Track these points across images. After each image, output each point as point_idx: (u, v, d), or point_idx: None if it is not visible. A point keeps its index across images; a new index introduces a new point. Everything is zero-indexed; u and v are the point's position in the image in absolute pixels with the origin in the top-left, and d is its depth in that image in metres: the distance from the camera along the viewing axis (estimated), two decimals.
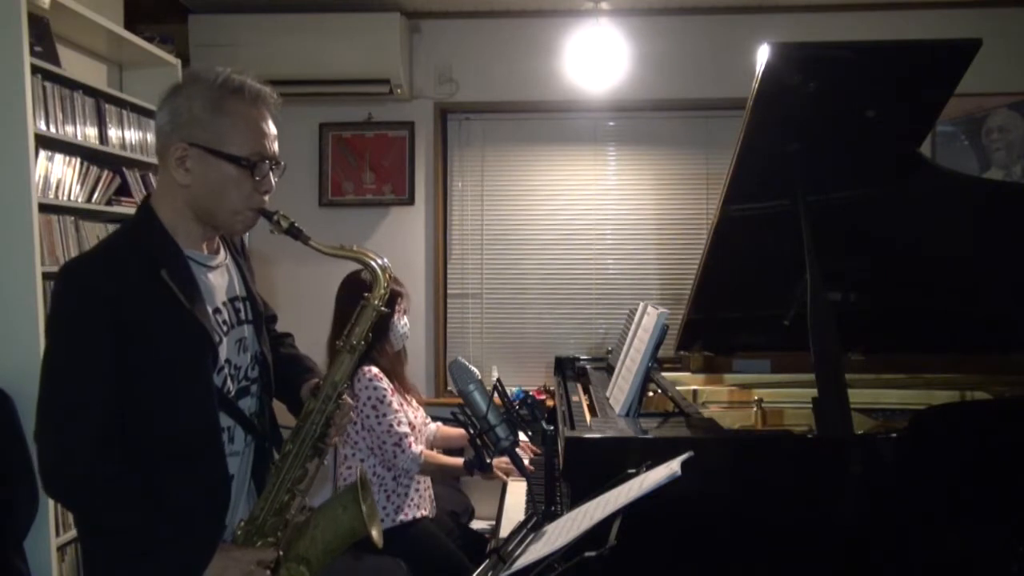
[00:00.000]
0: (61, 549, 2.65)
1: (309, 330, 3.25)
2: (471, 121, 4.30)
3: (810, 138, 1.94)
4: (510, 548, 1.27)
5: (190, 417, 1.46)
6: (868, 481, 1.70)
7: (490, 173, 4.30)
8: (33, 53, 2.62)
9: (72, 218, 2.84)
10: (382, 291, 1.57)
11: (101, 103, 3.04)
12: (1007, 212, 2.21)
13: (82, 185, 2.90)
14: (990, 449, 1.76)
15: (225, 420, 1.52)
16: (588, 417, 2.08)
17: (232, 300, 1.59)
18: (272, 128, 1.51)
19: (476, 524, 3.29)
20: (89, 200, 2.94)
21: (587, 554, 1.11)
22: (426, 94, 4.20)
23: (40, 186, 2.65)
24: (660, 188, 4.24)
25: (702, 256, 2.35)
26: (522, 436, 2.35)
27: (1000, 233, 2.21)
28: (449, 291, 4.32)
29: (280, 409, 1.71)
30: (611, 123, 4.27)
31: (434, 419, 3.01)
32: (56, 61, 2.87)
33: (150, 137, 3.31)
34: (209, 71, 1.47)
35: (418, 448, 2.65)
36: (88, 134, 2.96)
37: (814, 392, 1.83)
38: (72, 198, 2.85)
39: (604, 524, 1.14)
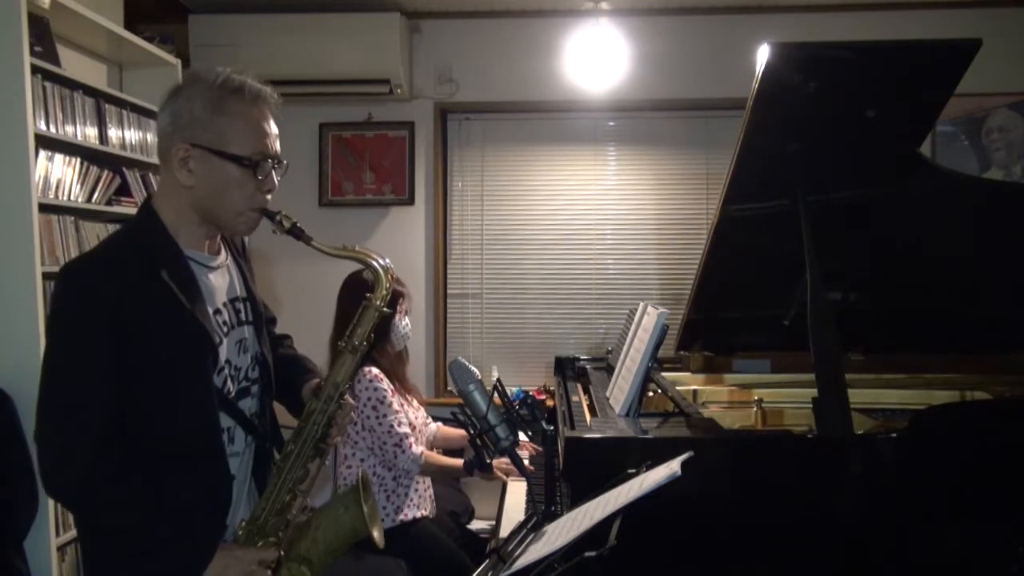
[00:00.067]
0: (61, 549, 2.65)
1: (309, 330, 3.24)
2: (471, 121, 4.30)
3: (810, 138, 1.94)
4: (510, 548, 1.27)
5: (190, 417, 1.46)
6: (868, 481, 1.70)
7: (490, 173, 4.30)
8: (33, 53, 2.62)
9: (72, 218, 2.84)
10: (384, 292, 1.57)
11: (101, 103, 3.04)
12: (1007, 212, 2.21)
13: (82, 185, 2.90)
14: (990, 449, 1.76)
15: (225, 421, 1.52)
16: (588, 417, 2.08)
17: (232, 301, 1.59)
18: (273, 127, 1.51)
19: (476, 524, 3.29)
20: (89, 200, 2.94)
21: (587, 554, 1.11)
22: (426, 94, 4.21)
23: (40, 186, 2.65)
24: (660, 188, 4.24)
25: (702, 256, 2.35)
26: (522, 436, 2.35)
27: (1000, 233, 2.21)
28: (449, 291, 4.32)
29: (280, 410, 1.71)
30: (611, 123, 4.27)
31: (434, 419, 3.02)
32: (56, 61, 2.87)
33: (150, 137, 3.31)
34: (209, 72, 1.47)
35: (418, 449, 2.65)
36: (88, 134, 2.96)
37: (814, 392, 1.83)
38: (72, 198, 2.85)
39: (604, 524, 1.14)
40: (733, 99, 3.51)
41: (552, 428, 1.69)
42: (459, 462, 2.76)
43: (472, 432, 1.48)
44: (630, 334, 2.23)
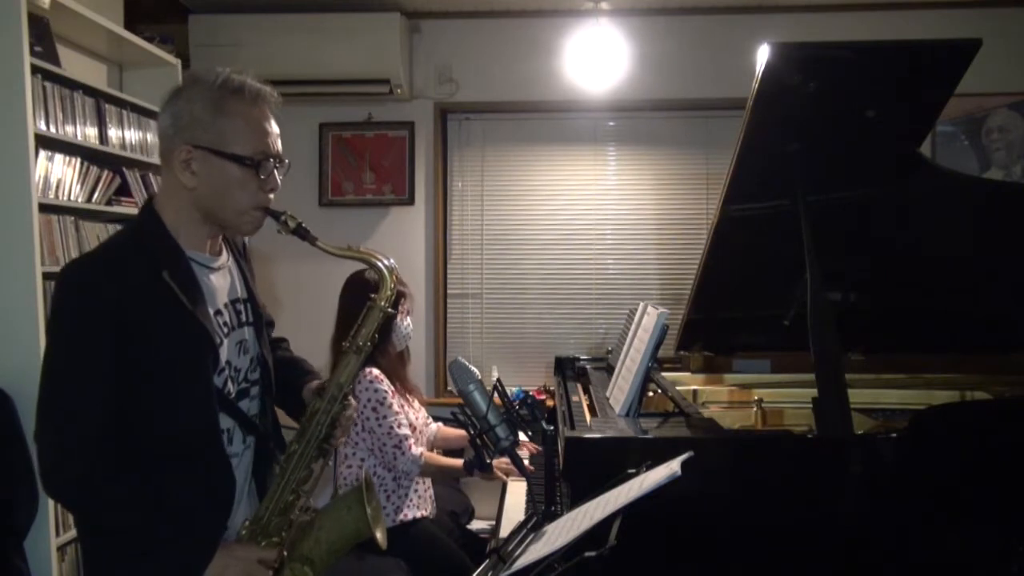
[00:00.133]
0: (61, 549, 2.65)
1: (310, 330, 3.24)
2: (471, 121, 4.30)
3: (810, 138, 1.94)
4: (510, 548, 1.27)
5: (190, 418, 1.46)
6: (868, 481, 1.70)
7: (490, 173, 4.30)
8: (33, 53, 2.62)
9: (72, 218, 2.84)
10: (389, 292, 1.57)
11: (101, 103, 3.04)
12: (1007, 212, 2.21)
13: (82, 185, 2.90)
14: (990, 449, 1.76)
15: (225, 421, 1.52)
16: (588, 417, 2.08)
17: (233, 302, 1.59)
18: (274, 126, 1.51)
19: (476, 524, 3.29)
20: (89, 200, 2.94)
21: (587, 554, 1.11)
22: (426, 94, 4.21)
23: (40, 186, 2.65)
24: (660, 188, 4.24)
25: (702, 256, 2.35)
26: (522, 436, 2.35)
27: (1000, 233, 2.21)
28: (449, 291, 4.32)
29: (280, 411, 1.71)
30: (611, 123, 4.27)
31: (435, 419, 3.02)
32: (56, 61, 2.87)
33: (150, 137, 3.31)
34: (209, 72, 1.47)
35: (418, 450, 2.64)
36: (88, 134, 2.96)
37: (814, 392, 1.83)
38: (72, 198, 2.85)
39: (604, 524, 1.14)
40: (733, 99, 3.51)
41: (552, 428, 1.69)
42: (459, 462, 2.76)
43: (472, 432, 1.48)
44: (630, 334, 2.23)
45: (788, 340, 2.17)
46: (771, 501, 1.70)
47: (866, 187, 2.12)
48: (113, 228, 3.01)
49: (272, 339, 1.80)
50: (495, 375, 3.72)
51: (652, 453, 1.31)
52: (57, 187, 2.77)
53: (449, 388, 4.15)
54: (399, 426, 2.62)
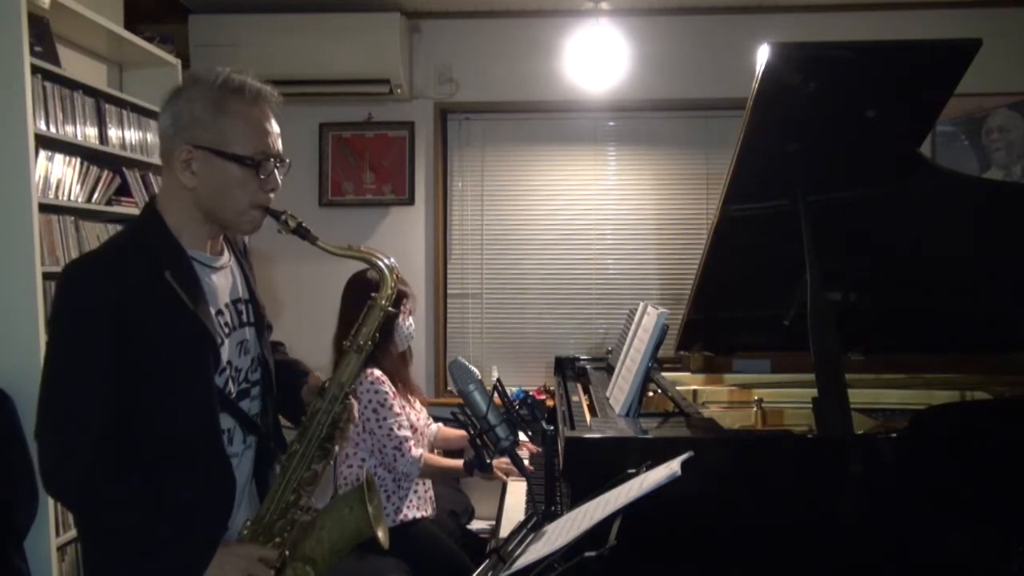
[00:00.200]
0: (61, 549, 2.65)
1: (310, 330, 3.25)
2: (471, 121, 4.30)
3: (810, 138, 1.94)
4: (510, 548, 1.27)
5: (190, 417, 1.46)
6: (868, 481, 1.71)
7: (490, 173, 4.30)
8: (33, 53, 2.62)
9: (72, 218, 2.84)
10: (389, 291, 1.57)
11: (101, 103, 3.04)
12: (1007, 212, 2.21)
13: (82, 185, 2.90)
14: (990, 449, 1.76)
15: (226, 421, 1.52)
16: (588, 417, 2.08)
17: (235, 302, 1.59)
18: (275, 126, 1.51)
19: (476, 524, 3.29)
20: (89, 200, 2.94)
21: (587, 554, 1.11)
22: (426, 94, 4.21)
23: (40, 186, 2.65)
24: (660, 188, 4.24)
25: (702, 256, 2.35)
26: (522, 436, 2.35)
27: (1000, 233, 2.21)
28: (449, 291, 4.32)
29: None
30: (611, 123, 4.27)
31: (435, 419, 3.02)
32: (56, 61, 2.87)
33: (150, 137, 3.31)
34: (209, 72, 1.47)
35: (418, 452, 2.64)
36: (88, 134, 2.96)
37: (814, 392, 1.83)
38: (72, 198, 2.85)
39: (604, 524, 1.14)
40: (733, 99, 3.51)
41: (552, 428, 1.69)
42: (459, 463, 2.75)
43: (472, 432, 1.48)
44: (630, 334, 2.24)
45: (788, 340, 2.17)
46: (771, 501, 1.70)
47: (866, 187, 2.12)
48: (113, 228, 3.01)
49: (271, 343, 1.80)
50: (495, 375, 3.72)
51: (652, 453, 1.31)
52: (57, 187, 2.77)
53: (449, 388, 4.15)
54: (399, 428, 2.62)
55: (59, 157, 2.78)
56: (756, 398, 2.37)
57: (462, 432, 2.96)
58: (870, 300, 2.31)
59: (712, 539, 1.67)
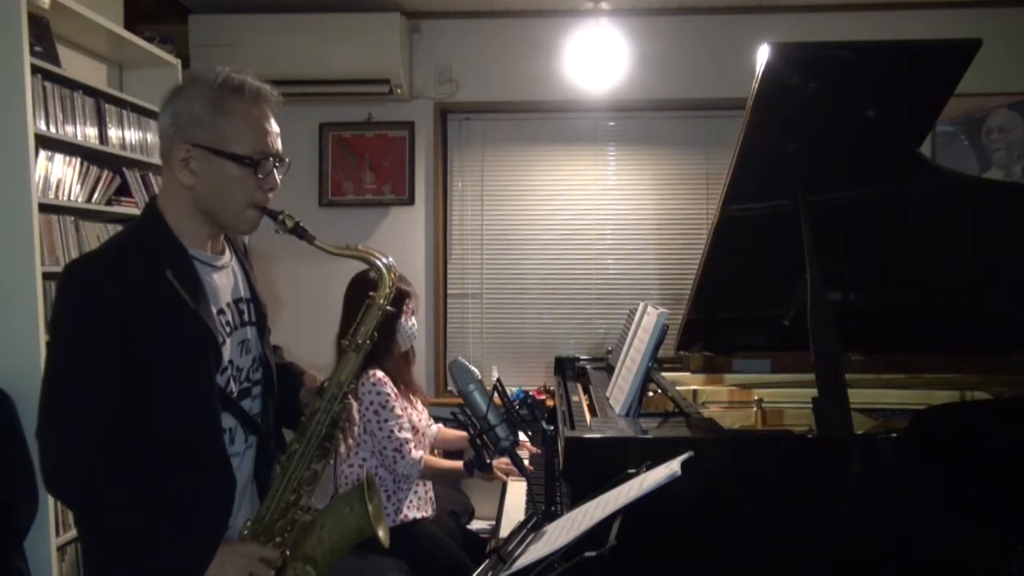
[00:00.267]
0: (61, 549, 2.65)
1: (310, 330, 3.25)
2: (471, 121, 4.30)
3: (810, 138, 1.94)
4: (510, 548, 1.27)
5: (191, 417, 1.46)
6: (868, 481, 1.71)
7: (490, 173, 4.30)
8: (33, 53, 2.62)
9: (72, 218, 2.84)
10: (387, 290, 1.57)
11: (101, 103, 3.04)
12: (1007, 212, 2.21)
13: (82, 185, 2.90)
14: (990, 449, 1.76)
15: (227, 421, 1.52)
16: (588, 417, 2.08)
17: (236, 302, 1.59)
18: (274, 125, 1.51)
19: (476, 524, 3.29)
20: (89, 200, 2.94)
21: (587, 554, 1.11)
22: (426, 94, 4.21)
23: (40, 186, 2.65)
24: (660, 188, 4.24)
25: (702, 256, 2.35)
26: (522, 436, 2.35)
27: (1000, 233, 2.21)
28: (449, 291, 4.32)
29: None
30: (611, 123, 4.27)
31: (435, 420, 3.01)
32: (56, 61, 2.87)
33: (150, 137, 3.31)
34: (209, 72, 1.47)
35: (418, 454, 2.64)
36: (88, 134, 2.96)
37: (814, 392, 1.83)
38: (72, 198, 2.85)
39: (604, 524, 1.14)
40: (733, 99, 3.51)
41: (552, 428, 1.69)
42: (459, 465, 2.75)
43: (472, 432, 1.48)
44: (630, 334, 2.23)
45: (788, 340, 2.17)
46: (771, 501, 1.70)
47: (866, 187, 2.12)
48: (113, 228, 3.01)
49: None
50: (495, 375, 3.72)
51: (652, 453, 1.31)
52: (57, 187, 2.77)
53: (449, 388, 4.15)
54: (400, 430, 2.62)
55: (59, 157, 2.78)
56: (756, 398, 2.37)
57: (462, 433, 2.97)
58: (870, 300, 2.32)
59: (712, 539, 1.68)
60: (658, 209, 4.24)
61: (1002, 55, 3.72)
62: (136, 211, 3.01)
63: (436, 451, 3.03)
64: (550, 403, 3.00)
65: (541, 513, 1.35)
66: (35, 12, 2.68)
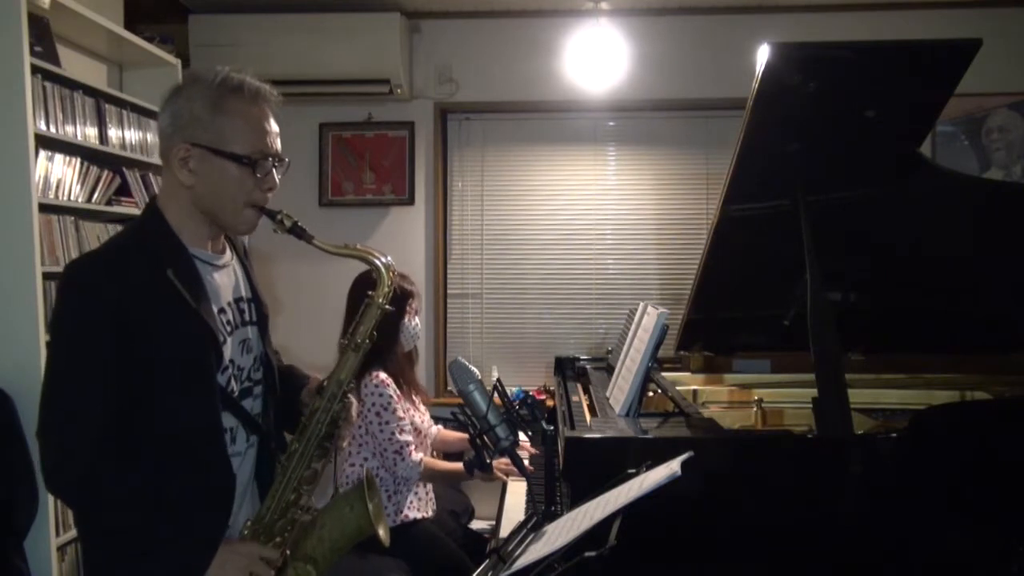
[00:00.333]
0: (61, 549, 2.65)
1: (309, 330, 3.25)
2: (471, 121, 4.30)
3: (810, 138, 1.94)
4: (510, 548, 1.27)
5: (192, 416, 1.46)
6: (868, 481, 1.71)
7: (490, 173, 4.30)
8: (33, 53, 2.62)
9: (72, 218, 2.84)
10: (386, 289, 1.57)
11: (101, 103, 3.04)
12: (1007, 212, 2.21)
13: (82, 185, 2.90)
14: (990, 449, 1.76)
15: (229, 420, 1.52)
16: (588, 417, 2.08)
17: (237, 301, 1.59)
18: (274, 125, 1.51)
19: (476, 524, 3.29)
20: (89, 200, 2.94)
21: (587, 554, 1.11)
22: (426, 94, 4.21)
23: (40, 186, 2.65)
24: (660, 188, 4.24)
25: (702, 256, 2.35)
26: (522, 436, 2.35)
27: (1000, 233, 2.21)
28: (449, 291, 4.32)
29: None
30: (611, 123, 4.27)
31: (435, 420, 3.01)
32: (56, 61, 2.87)
33: (150, 137, 3.31)
34: (208, 71, 1.47)
35: (418, 456, 2.64)
36: (88, 134, 2.96)
37: (814, 392, 1.83)
38: (72, 198, 2.85)
39: (604, 524, 1.14)
40: (733, 99, 3.51)
41: (552, 428, 1.69)
42: (459, 466, 2.75)
43: (472, 432, 1.48)
44: (630, 334, 2.23)
45: (788, 340, 2.17)
46: (771, 501, 1.70)
47: (866, 187, 2.12)
48: (113, 228, 3.01)
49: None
50: (495, 375, 3.72)
51: (652, 453, 1.31)
52: (57, 187, 2.77)
53: (449, 388, 4.15)
54: (401, 432, 2.61)
55: (59, 157, 2.78)
56: (756, 398, 2.37)
57: (461, 435, 2.97)
58: (870, 300, 2.32)
59: (712, 539, 1.67)
60: (658, 209, 4.24)
61: (1002, 55, 3.72)
62: (136, 211, 3.01)
63: (435, 453, 3.02)
64: (550, 403, 3.00)
65: (541, 513, 1.35)
66: (35, 12, 2.68)
